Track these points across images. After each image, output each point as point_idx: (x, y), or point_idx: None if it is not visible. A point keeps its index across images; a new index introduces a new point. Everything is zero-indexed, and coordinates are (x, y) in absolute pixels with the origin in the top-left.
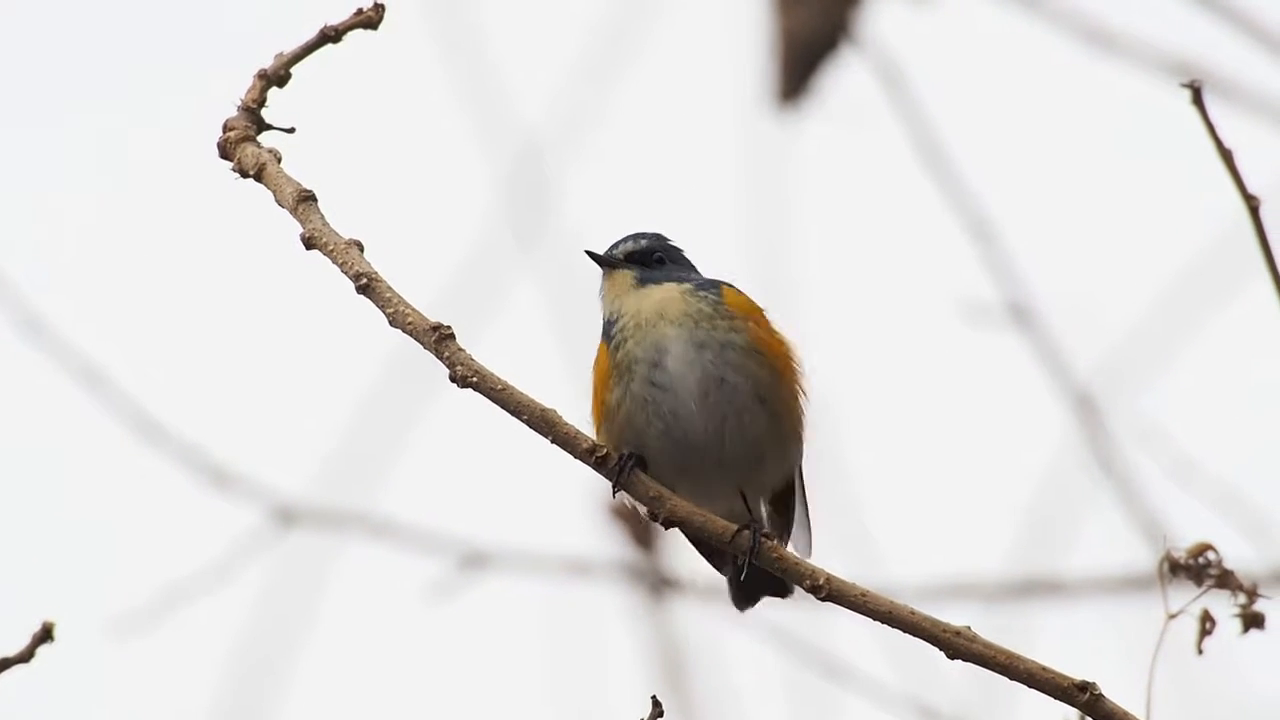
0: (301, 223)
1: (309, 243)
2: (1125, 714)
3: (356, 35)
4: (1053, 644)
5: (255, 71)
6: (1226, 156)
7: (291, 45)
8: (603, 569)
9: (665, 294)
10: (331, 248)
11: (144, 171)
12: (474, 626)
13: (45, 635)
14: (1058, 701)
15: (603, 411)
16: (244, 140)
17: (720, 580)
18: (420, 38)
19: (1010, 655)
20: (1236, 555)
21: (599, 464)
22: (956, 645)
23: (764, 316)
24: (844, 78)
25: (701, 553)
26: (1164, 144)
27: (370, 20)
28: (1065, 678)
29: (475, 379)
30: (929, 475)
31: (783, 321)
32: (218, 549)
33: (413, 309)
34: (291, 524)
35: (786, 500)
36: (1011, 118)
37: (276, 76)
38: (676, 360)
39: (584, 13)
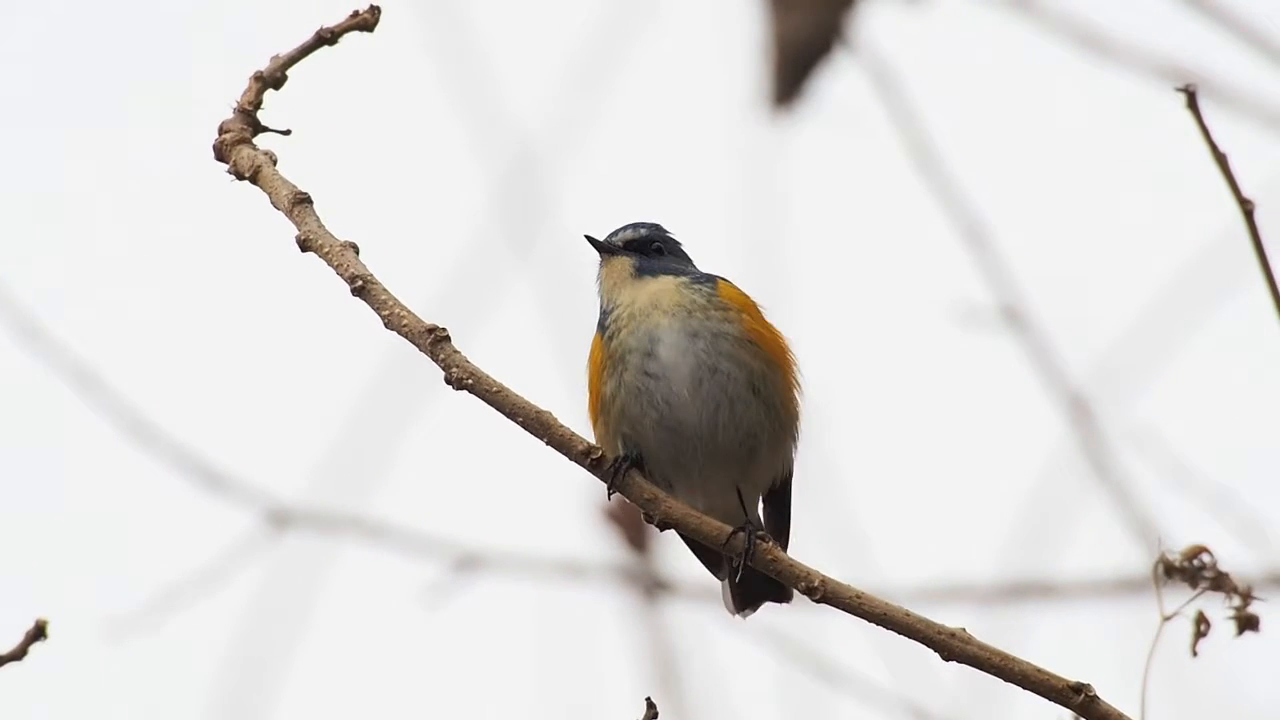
0: (297, 225)
1: (304, 245)
2: (1120, 716)
3: (352, 37)
4: (1047, 646)
5: (251, 74)
6: (1221, 160)
7: (287, 47)
8: (597, 571)
9: (660, 286)
10: (327, 250)
11: (139, 173)
12: (468, 629)
13: (39, 633)
14: (1052, 703)
15: (598, 402)
16: (240, 142)
17: (714, 582)
18: (416, 41)
19: (1005, 657)
20: (1231, 558)
21: (594, 466)
22: (951, 647)
23: (758, 310)
24: (837, 81)
25: (698, 556)
26: (1158, 148)
27: (366, 22)
28: (1060, 679)
29: (471, 381)
30: (923, 477)
31: (777, 319)
32: (212, 551)
33: (408, 311)
34: (286, 526)
35: (784, 500)
36: (1005, 121)
37: (272, 79)
38: (669, 349)
39: (578, 17)
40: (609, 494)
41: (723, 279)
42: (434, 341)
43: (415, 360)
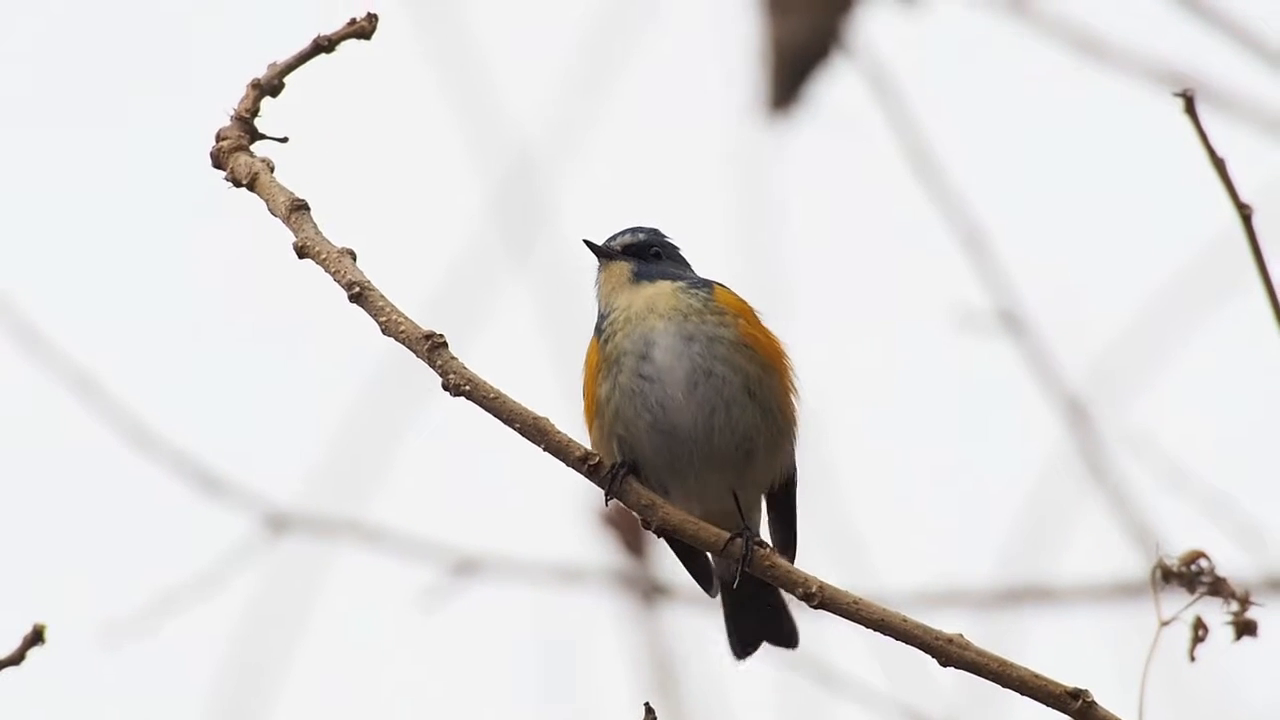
0: (294, 232)
1: (302, 252)
2: None
3: (350, 45)
4: (1045, 651)
5: (249, 81)
6: (1219, 165)
7: (285, 55)
8: (594, 576)
9: (657, 290)
10: (324, 256)
11: (137, 180)
12: (465, 634)
13: (36, 638)
14: (1050, 709)
15: (593, 405)
16: (237, 149)
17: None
18: (413, 48)
19: (1002, 663)
20: (1228, 562)
21: (591, 472)
22: (949, 653)
23: (754, 316)
24: (834, 86)
25: (689, 571)
26: (1156, 152)
27: (363, 30)
28: (1058, 685)
29: (468, 387)
30: (920, 482)
31: (774, 324)
32: (210, 556)
33: (405, 317)
34: (283, 531)
35: (789, 509)
36: (1002, 125)
37: (270, 86)
38: (664, 352)
39: (575, 23)
40: (606, 500)
41: (720, 284)
42: (431, 348)
43: (412, 366)
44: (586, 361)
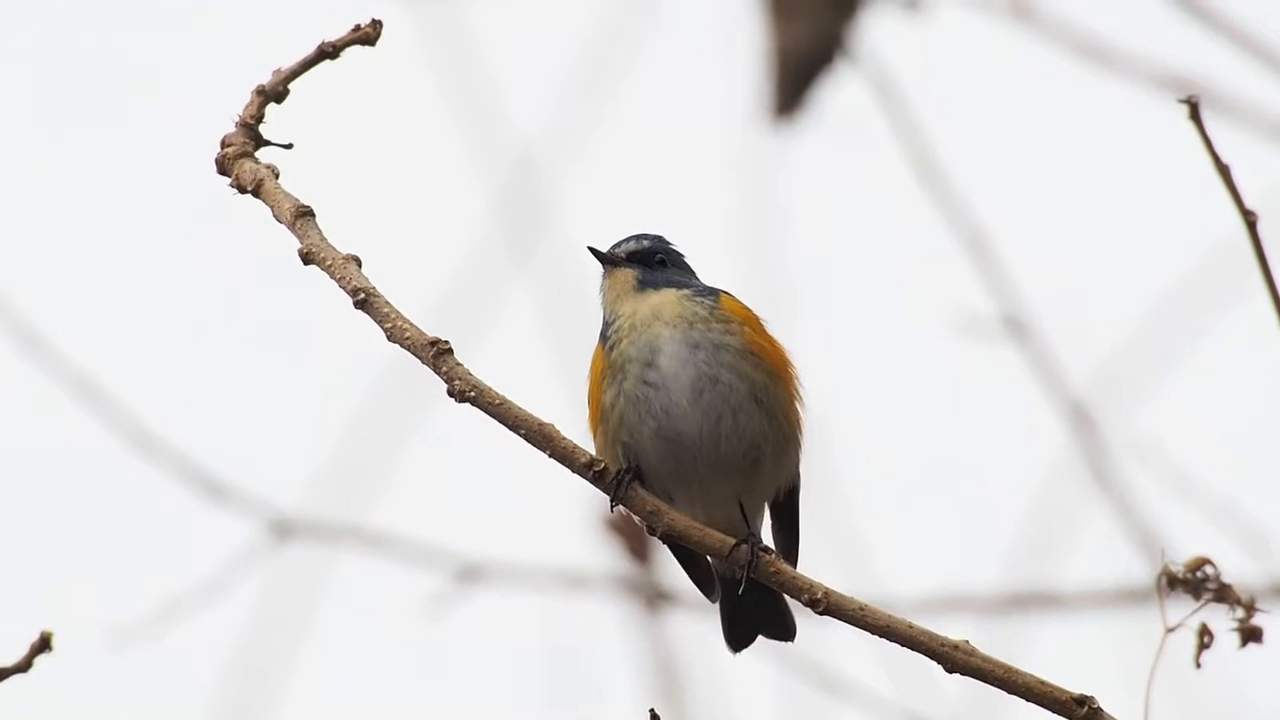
0: (299, 238)
1: (307, 258)
2: None
3: (354, 51)
4: (1051, 657)
5: (253, 87)
6: (1224, 171)
7: (289, 61)
8: (598, 582)
9: (662, 298)
10: (329, 263)
11: (141, 184)
12: (470, 640)
13: (44, 645)
14: (1056, 715)
15: (598, 411)
16: (242, 156)
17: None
18: (417, 54)
19: (1008, 669)
20: (1234, 569)
21: (597, 478)
22: (954, 659)
23: (760, 324)
24: (838, 91)
25: (691, 577)
26: (1160, 158)
27: (368, 37)
28: (1064, 691)
29: (473, 394)
30: (925, 488)
31: (779, 332)
32: (214, 561)
33: (410, 324)
34: (288, 537)
35: (791, 515)
36: (1006, 131)
37: (274, 92)
38: (670, 359)
39: (578, 29)
40: (611, 506)
41: (725, 293)
42: (436, 354)
43: (417, 372)
44: (591, 368)
